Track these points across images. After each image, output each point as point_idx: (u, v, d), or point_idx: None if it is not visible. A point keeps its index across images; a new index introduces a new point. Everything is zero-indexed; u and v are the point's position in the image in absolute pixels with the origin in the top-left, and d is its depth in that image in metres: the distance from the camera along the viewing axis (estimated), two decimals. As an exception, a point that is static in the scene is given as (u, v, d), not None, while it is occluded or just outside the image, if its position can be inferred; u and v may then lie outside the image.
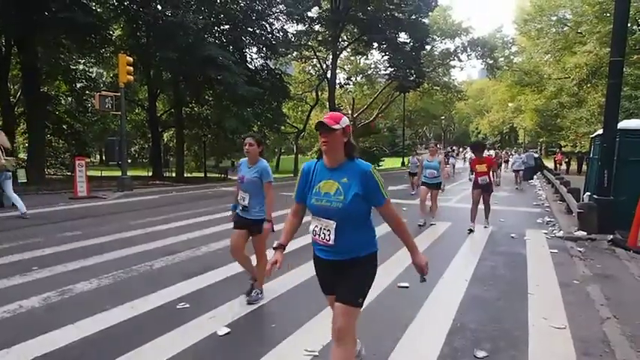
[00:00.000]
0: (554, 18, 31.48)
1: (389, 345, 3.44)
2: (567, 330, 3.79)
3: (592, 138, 11.46)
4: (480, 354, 3.31)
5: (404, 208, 11.02)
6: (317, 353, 3.28)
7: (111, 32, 20.94)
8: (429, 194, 8.96)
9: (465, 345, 3.47)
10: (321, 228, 2.46)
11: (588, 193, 8.91)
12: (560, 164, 30.29)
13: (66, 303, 4.28)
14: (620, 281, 5.34)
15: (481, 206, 8.56)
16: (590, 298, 4.63)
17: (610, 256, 6.65)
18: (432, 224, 8.86)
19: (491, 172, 8.50)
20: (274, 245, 2.57)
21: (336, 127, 2.39)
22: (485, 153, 12.99)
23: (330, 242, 2.43)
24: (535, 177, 22.41)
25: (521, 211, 11.30)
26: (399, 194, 14.57)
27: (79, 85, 22.21)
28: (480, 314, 4.13)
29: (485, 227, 8.56)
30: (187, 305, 4.21)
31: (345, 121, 2.45)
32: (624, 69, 9.65)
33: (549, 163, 32.09)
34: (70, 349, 3.31)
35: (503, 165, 26.27)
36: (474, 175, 8.53)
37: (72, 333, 3.56)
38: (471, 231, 8.08)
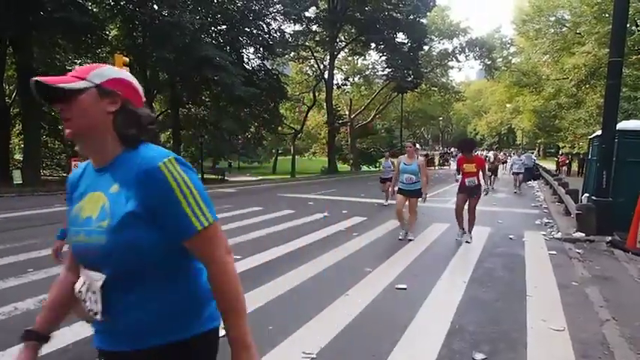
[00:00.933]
0: (553, 18, 31.58)
1: (387, 347, 3.40)
2: (566, 332, 3.77)
3: (590, 139, 11.47)
4: (479, 356, 3.28)
5: (402, 209, 11.01)
6: (314, 355, 3.25)
7: (107, 32, 20.91)
8: (407, 203, 7.54)
9: (463, 347, 3.45)
10: (87, 288, 1.21)
11: (587, 195, 8.90)
12: (564, 166, 29.48)
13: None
14: (618, 283, 5.33)
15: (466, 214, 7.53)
16: (589, 299, 4.61)
17: (609, 257, 6.64)
18: (410, 240, 7.38)
19: (480, 175, 7.45)
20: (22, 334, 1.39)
21: (77, 85, 1.17)
22: (484, 154, 12.66)
23: (98, 317, 1.19)
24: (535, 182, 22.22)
25: (520, 213, 11.29)
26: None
27: (75, 86, 22.16)
28: (478, 316, 4.11)
29: (468, 242, 7.25)
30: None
31: (105, 72, 1.23)
32: (623, 70, 9.64)
33: (548, 165, 32.08)
34: (66, 351, 3.27)
35: (500, 167, 25.03)
36: (460, 176, 7.51)
37: (67, 335, 3.51)
38: (464, 233, 7.42)
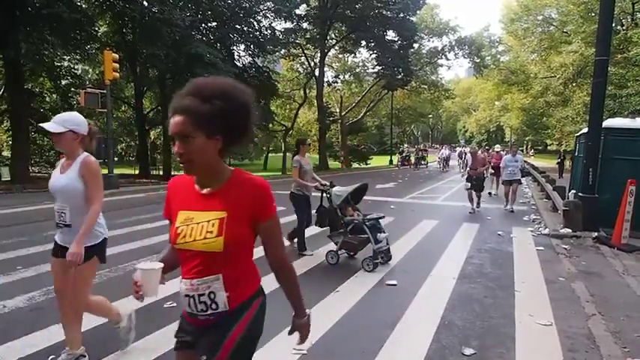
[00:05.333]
0: (541, 17, 31.92)
1: (377, 343, 3.44)
2: (553, 326, 3.84)
3: (577, 137, 11.61)
4: (468, 351, 3.33)
5: (392, 207, 11.06)
6: (305, 352, 3.28)
7: (96, 29, 20.64)
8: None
9: (452, 342, 3.50)
10: None
11: (573, 191, 9.02)
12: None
13: (51, 302, 4.19)
14: (604, 278, 5.43)
15: None
16: (576, 294, 4.70)
17: (594, 253, 6.75)
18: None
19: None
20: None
21: None
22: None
23: None
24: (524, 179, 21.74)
25: (508, 209, 11.38)
26: (388, 192, 14.63)
27: (63, 82, 21.88)
28: (467, 311, 4.17)
29: None
30: (174, 304, 4.17)
31: None
32: (609, 68, 9.77)
33: (540, 163, 32.16)
34: (56, 349, 3.25)
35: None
36: None
37: (57, 333, 3.49)
38: None
